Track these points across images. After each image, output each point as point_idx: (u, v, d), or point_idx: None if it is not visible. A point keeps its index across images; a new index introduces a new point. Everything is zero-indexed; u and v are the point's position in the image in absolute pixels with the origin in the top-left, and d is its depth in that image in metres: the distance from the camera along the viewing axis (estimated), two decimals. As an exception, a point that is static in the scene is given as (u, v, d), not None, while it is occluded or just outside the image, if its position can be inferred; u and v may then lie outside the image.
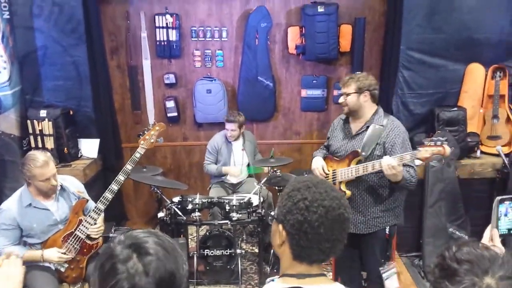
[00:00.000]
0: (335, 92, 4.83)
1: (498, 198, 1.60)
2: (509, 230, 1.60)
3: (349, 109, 2.91)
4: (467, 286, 1.07)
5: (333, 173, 2.97)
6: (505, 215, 1.60)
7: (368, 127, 2.88)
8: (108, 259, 1.09)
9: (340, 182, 2.93)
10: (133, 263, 1.06)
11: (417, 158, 2.70)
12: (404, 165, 2.74)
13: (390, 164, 2.63)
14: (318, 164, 3.04)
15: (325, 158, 3.09)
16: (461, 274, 1.09)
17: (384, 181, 2.87)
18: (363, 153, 2.83)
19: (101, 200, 2.98)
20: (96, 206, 2.98)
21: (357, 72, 3.03)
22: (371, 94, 2.88)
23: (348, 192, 2.90)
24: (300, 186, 1.32)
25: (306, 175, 2.67)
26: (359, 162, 2.86)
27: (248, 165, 4.53)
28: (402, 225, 3.18)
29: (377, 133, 2.85)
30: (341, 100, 2.93)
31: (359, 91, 2.85)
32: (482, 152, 4.20)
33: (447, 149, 2.65)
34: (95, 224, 3.00)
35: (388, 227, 2.96)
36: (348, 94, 2.87)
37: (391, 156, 2.79)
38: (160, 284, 1.07)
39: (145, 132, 3.20)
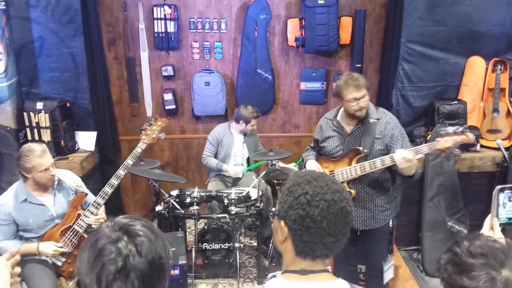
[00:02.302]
0: (335, 85, 4.78)
1: (498, 187, 1.59)
2: (509, 219, 1.60)
3: (366, 110, 2.80)
4: (486, 280, 1.08)
5: (330, 174, 2.88)
6: (504, 204, 1.59)
7: (363, 123, 2.83)
8: (98, 240, 1.11)
9: (342, 182, 2.85)
10: (125, 244, 1.09)
11: (438, 149, 2.60)
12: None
13: (405, 158, 2.56)
14: (313, 167, 2.92)
15: (318, 160, 3.00)
16: (477, 268, 1.10)
17: (386, 173, 2.85)
18: (366, 150, 2.76)
19: (100, 194, 2.95)
20: (95, 201, 2.95)
21: (350, 73, 2.90)
22: None
23: (353, 191, 2.85)
24: (301, 181, 1.29)
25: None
26: (360, 160, 2.80)
27: (248, 160, 4.51)
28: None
29: (373, 127, 2.80)
30: (364, 103, 2.75)
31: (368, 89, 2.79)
32: (482, 146, 4.18)
33: (471, 136, 2.58)
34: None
35: (392, 219, 2.95)
36: (366, 95, 2.76)
37: (392, 148, 2.75)
38: (152, 264, 1.09)
39: (147, 127, 3.14)
